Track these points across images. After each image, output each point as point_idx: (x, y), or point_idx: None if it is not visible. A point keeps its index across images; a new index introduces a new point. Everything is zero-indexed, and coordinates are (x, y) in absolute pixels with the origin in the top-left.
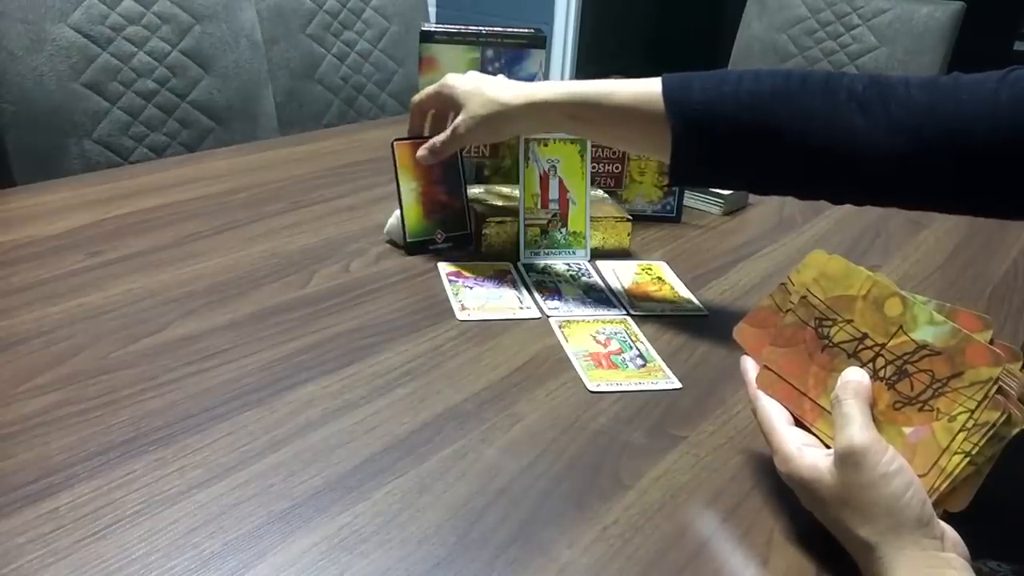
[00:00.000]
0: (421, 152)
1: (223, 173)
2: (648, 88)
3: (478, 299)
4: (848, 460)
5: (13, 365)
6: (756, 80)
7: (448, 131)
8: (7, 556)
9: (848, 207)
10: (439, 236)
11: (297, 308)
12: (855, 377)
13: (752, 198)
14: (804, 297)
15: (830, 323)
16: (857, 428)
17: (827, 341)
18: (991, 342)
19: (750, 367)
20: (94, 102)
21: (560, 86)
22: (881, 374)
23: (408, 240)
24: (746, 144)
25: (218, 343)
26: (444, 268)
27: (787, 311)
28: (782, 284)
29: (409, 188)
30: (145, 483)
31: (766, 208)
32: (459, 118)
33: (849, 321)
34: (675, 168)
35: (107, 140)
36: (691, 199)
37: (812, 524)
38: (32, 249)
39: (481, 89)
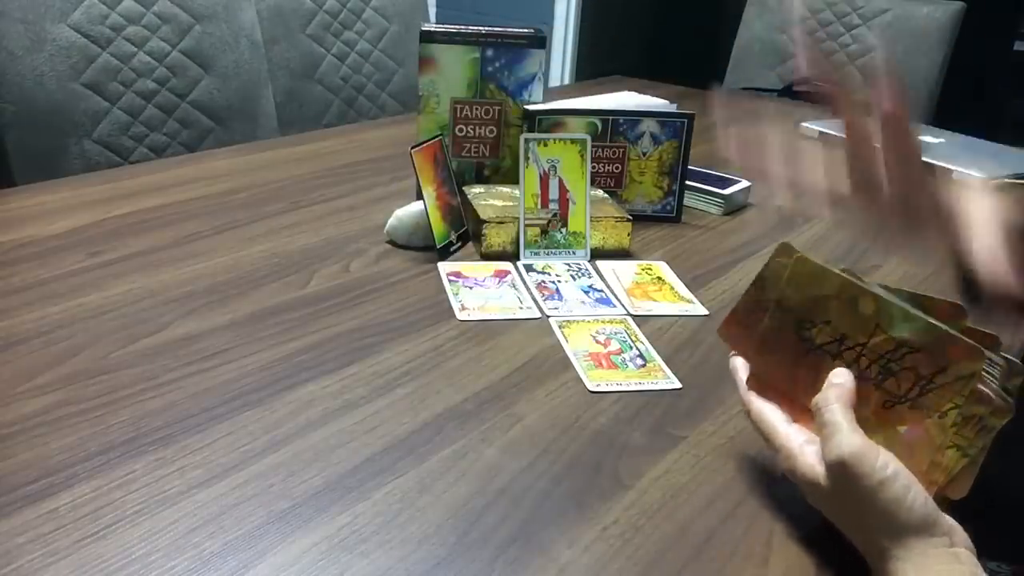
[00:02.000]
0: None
1: (223, 173)
2: None
3: (478, 299)
4: (839, 472)
5: (13, 365)
6: None
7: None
8: (7, 556)
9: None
10: (454, 236)
11: (297, 308)
12: (837, 381)
13: (752, 198)
14: (779, 301)
15: (810, 325)
16: (844, 436)
17: (809, 344)
18: (968, 331)
19: (740, 366)
20: (94, 102)
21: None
22: (867, 374)
23: (437, 246)
24: None
25: (218, 343)
26: (444, 268)
27: (766, 313)
28: (758, 277)
29: (428, 193)
30: (145, 483)
31: (766, 208)
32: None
33: (827, 323)
34: None
35: (107, 140)
36: (691, 199)
37: (812, 524)
38: (32, 249)
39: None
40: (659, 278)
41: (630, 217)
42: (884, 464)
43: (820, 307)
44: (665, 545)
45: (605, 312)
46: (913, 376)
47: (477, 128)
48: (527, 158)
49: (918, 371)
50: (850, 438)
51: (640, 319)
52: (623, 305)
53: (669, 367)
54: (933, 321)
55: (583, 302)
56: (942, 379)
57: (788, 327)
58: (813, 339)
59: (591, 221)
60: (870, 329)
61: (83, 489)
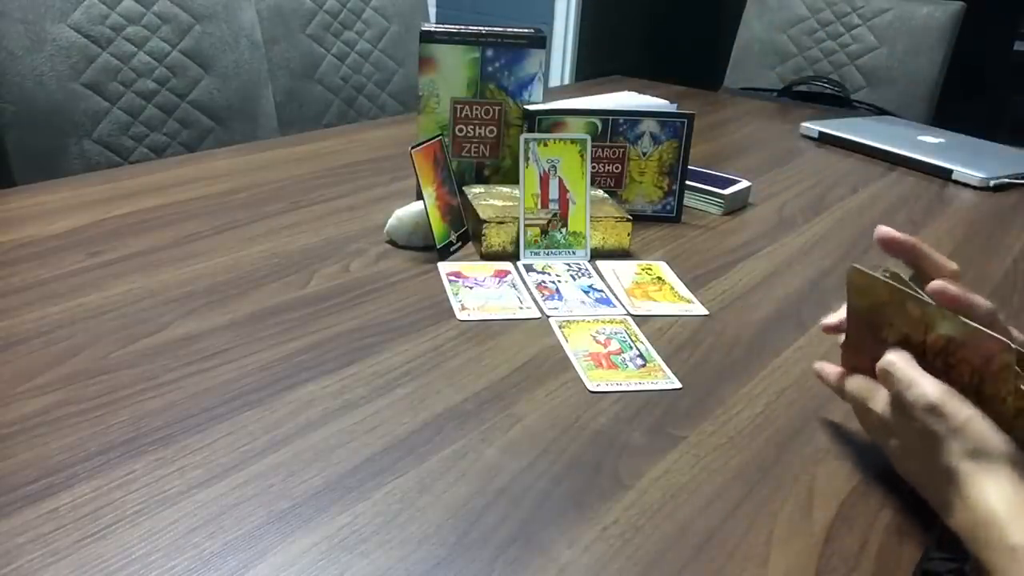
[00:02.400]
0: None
1: (223, 173)
2: None
3: (478, 299)
4: (927, 417)
5: (13, 365)
6: None
7: None
8: (7, 556)
9: (849, 208)
10: (454, 236)
11: (297, 308)
12: (896, 350)
13: (752, 198)
14: (850, 310)
15: (880, 327)
16: (924, 385)
17: (885, 343)
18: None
19: (823, 368)
20: (94, 102)
21: None
22: (935, 365)
23: (437, 246)
24: None
25: (218, 343)
26: (444, 268)
27: (849, 321)
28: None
29: (427, 194)
30: (145, 483)
31: (766, 208)
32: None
33: (891, 324)
34: None
35: (107, 140)
36: (691, 199)
37: (812, 524)
38: (32, 249)
39: None
40: (659, 278)
41: (630, 217)
42: (967, 405)
43: (882, 311)
44: (665, 545)
45: (605, 312)
46: (969, 368)
47: (477, 128)
48: (527, 158)
49: (971, 364)
50: (931, 385)
51: (640, 319)
52: (623, 305)
53: (669, 367)
54: (965, 319)
55: (583, 302)
56: (991, 369)
57: (866, 330)
58: (887, 339)
59: (591, 221)
60: (923, 328)
61: (83, 489)
